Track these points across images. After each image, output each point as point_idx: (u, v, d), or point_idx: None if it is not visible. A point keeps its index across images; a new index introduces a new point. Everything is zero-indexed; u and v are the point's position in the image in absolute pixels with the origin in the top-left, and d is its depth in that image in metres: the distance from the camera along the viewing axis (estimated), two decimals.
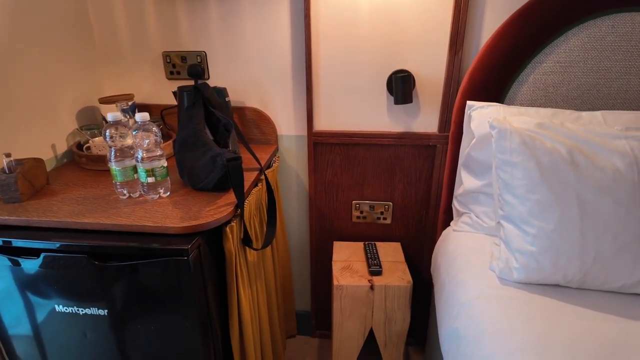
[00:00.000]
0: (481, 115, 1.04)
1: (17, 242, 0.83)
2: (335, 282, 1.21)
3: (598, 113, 0.99)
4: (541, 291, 0.85)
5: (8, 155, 0.89)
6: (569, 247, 0.82)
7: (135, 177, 0.92)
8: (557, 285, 0.87)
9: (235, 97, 1.31)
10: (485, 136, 1.01)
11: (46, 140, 1.11)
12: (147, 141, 0.87)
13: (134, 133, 0.86)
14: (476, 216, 1.11)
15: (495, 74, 1.10)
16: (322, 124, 1.31)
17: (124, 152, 0.89)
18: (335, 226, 1.45)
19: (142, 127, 0.87)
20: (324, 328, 1.63)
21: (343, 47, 1.21)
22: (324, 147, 1.34)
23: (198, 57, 1.27)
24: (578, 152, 0.84)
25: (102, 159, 1.09)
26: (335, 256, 1.34)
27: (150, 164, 0.89)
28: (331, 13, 1.17)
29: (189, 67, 1.24)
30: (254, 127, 1.34)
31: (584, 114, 0.99)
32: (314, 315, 1.60)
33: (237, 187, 0.89)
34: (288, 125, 1.34)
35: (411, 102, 1.17)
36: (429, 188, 1.35)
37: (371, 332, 1.28)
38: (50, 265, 0.82)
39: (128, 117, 1.20)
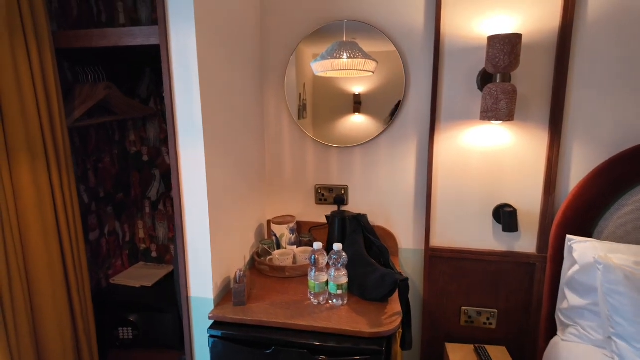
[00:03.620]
0: (581, 248, 1.33)
1: (253, 336, 1.17)
2: None
3: None
4: None
5: (240, 269, 1.27)
6: None
7: (326, 289, 1.26)
8: None
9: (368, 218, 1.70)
10: (588, 265, 1.30)
11: (240, 252, 1.50)
12: (339, 264, 1.23)
13: (333, 257, 1.23)
14: (582, 329, 1.34)
15: (584, 213, 1.42)
16: (437, 241, 1.65)
17: (321, 270, 1.25)
18: (444, 328, 1.69)
19: (337, 254, 1.24)
20: None
21: (456, 183, 1.59)
22: (437, 259, 1.65)
23: (342, 190, 1.69)
24: None
25: (282, 269, 1.46)
26: (451, 356, 1.56)
27: (339, 280, 1.23)
28: (448, 158, 1.58)
29: (335, 196, 1.66)
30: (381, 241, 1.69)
31: None
32: None
33: (404, 300, 1.21)
34: (407, 240, 1.69)
35: (517, 231, 1.50)
36: (530, 298, 1.59)
37: None
38: (278, 356, 1.14)
39: (292, 235, 1.60)
